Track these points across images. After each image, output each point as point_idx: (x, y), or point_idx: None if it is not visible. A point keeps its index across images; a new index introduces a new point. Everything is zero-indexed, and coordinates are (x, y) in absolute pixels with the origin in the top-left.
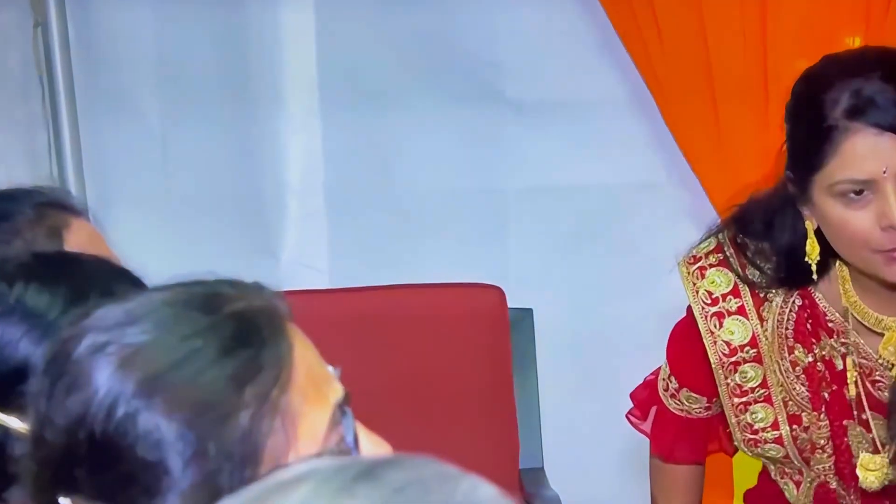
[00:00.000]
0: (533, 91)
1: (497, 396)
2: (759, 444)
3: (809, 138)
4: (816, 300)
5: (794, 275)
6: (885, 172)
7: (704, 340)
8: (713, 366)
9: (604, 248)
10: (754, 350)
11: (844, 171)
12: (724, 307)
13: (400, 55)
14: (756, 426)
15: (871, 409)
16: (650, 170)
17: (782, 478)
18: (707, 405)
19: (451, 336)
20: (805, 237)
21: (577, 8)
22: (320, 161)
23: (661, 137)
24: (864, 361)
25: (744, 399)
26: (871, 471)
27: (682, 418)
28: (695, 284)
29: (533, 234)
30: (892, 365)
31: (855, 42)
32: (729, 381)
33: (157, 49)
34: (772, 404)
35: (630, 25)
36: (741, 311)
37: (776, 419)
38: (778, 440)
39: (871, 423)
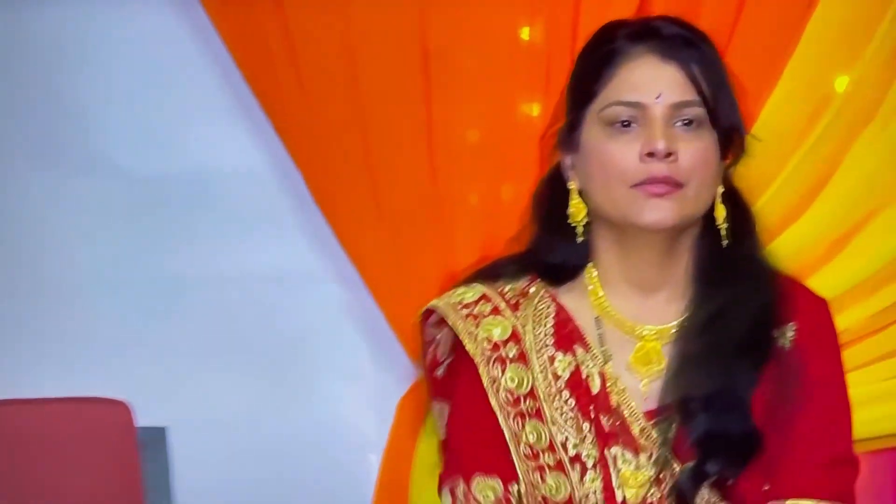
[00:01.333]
0: (151, 161)
1: None
2: (544, 475)
3: (591, 67)
4: (568, 310)
5: (555, 263)
6: (657, 99)
7: (465, 341)
8: (478, 364)
9: (249, 351)
10: (517, 347)
11: (619, 93)
12: (478, 311)
13: None
14: (535, 447)
15: (622, 432)
16: (301, 259)
17: None
18: (501, 498)
19: (69, 460)
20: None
21: (207, 66)
22: None
23: (313, 220)
24: (615, 381)
25: (518, 409)
26: (630, 487)
27: None
28: (445, 300)
29: (163, 336)
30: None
31: (533, 110)
32: (499, 386)
33: None
34: (543, 420)
35: (270, 86)
36: (495, 311)
37: (552, 440)
38: (559, 466)
39: (618, 459)
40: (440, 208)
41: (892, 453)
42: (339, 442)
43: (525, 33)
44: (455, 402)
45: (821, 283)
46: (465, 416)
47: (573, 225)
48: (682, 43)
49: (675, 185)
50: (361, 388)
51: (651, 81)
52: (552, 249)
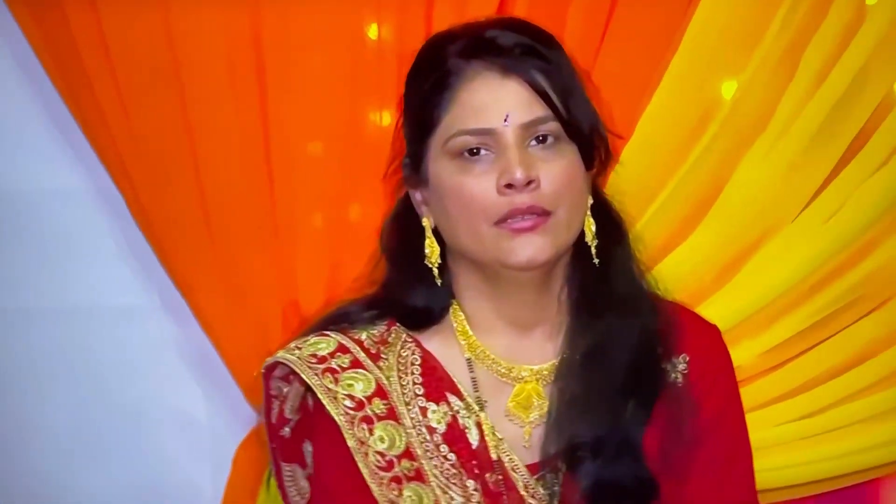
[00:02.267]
0: None
1: None
2: None
3: (426, 92)
4: (435, 356)
5: (414, 306)
6: (506, 122)
7: (323, 400)
8: (342, 426)
9: (65, 395)
10: (385, 403)
11: (463, 120)
12: (335, 364)
13: None
14: None
15: (507, 489)
16: (124, 290)
17: None
18: None
19: None
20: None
21: (17, 77)
22: None
23: (136, 246)
24: (494, 433)
25: (392, 474)
26: None
27: None
28: (296, 353)
29: None
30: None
31: (383, 118)
32: (368, 448)
33: None
34: (426, 482)
35: (85, 98)
36: (356, 364)
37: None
38: None
39: None
40: (280, 231)
41: None
42: (170, 496)
43: (373, 31)
44: (316, 470)
45: (708, 315)
46: (331, 488)
47: (430, 266)
48: (522, 53)
49: (542, 213)
50: (194, 436)
51: (495, 102)
52: (410, 291)
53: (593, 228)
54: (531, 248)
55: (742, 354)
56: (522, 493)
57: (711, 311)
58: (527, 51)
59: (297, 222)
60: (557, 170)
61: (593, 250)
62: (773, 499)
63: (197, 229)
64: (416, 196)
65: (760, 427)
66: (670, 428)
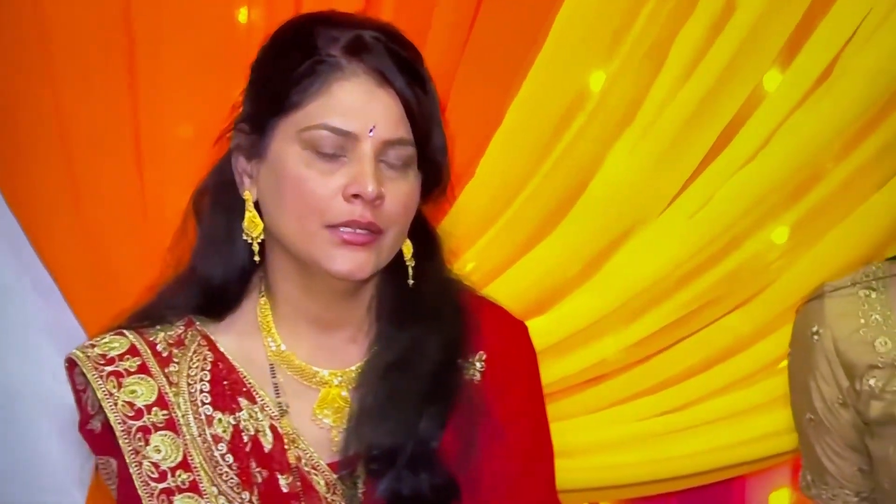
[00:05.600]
0: None
1: None
2: None
3: (291, 73)
4: (230, 357)
5: (212, 297)
6: (371, 132)
7: (104, 405)
8: (118, 435)
9: None
10: (165, 413)
11: (328, 115)
12: (121, 367)
13: None
14: None
15: (304, 490)
16: None
17: None
18: None
19: None
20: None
21: None
22: None
23: (5, 225)
24: (293, 434)
25: (164, 485)
26: None
27: None
28: (88, 351)
29: None
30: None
31: None
32: (142, 459)
33: None
34: (201, 494)
35: None
36: (143, 369)
37: None
38: None
39: None
40: (149, 214)
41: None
42: (39, 479)
43: (243, 15)
44: (121, 463)
45: (573, 308)
46: (126, 491)
47: (247, 240)
48: (400, 67)
49: (376, 231)
50: (64, 418)
51: (365, 109)
52: (215, 268)
53: (412, 249)
54: (354, 262)
55: (606, 348)
56: (324, 494)
57: (575, 304)
58: (405, 67)
59: (166, 206)
60: (401, 193)
61: (410, 271)
62: (637, 494)
63: (66, 211)
64: (241, 164)
65: (624, 421)
66: (466, 426)
